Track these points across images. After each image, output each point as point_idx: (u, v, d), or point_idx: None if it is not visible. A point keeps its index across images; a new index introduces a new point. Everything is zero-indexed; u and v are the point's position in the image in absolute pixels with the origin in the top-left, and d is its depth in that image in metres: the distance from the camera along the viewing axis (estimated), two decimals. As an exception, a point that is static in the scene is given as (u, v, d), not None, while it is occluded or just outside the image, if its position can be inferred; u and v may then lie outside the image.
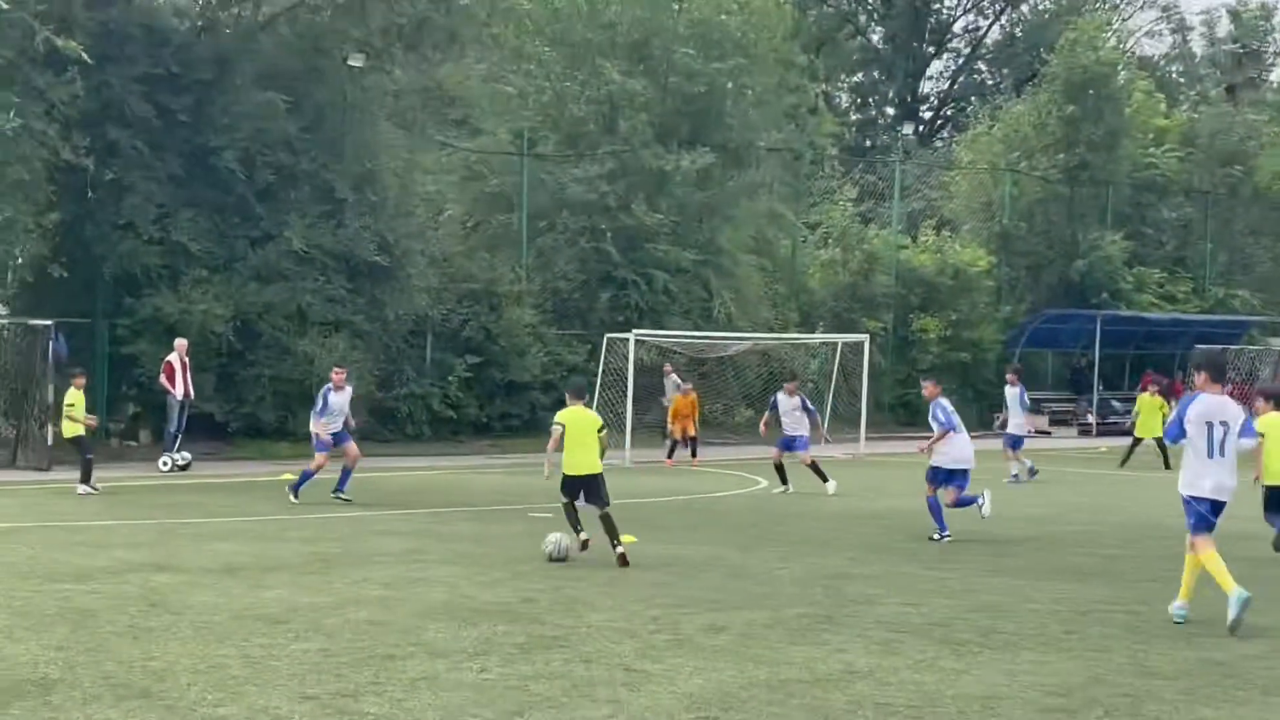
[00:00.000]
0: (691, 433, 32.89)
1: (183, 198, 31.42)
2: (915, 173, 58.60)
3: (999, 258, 50.16)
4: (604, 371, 34.62)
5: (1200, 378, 12.93)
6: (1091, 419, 46.81)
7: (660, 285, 39.32)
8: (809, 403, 25.58)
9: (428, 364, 36.41)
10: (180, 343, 28.58)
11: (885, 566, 16.21)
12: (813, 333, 44.08)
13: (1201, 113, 58.92)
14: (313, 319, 32.23)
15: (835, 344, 39.32)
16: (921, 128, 78.86)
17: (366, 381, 32.57)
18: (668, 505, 23.19)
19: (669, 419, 33.91)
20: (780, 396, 25.53)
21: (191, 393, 28.59)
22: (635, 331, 34.69)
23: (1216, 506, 12.75)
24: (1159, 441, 30.71)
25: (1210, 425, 12.64)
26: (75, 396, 23.90)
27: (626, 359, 33.55)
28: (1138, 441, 32.88)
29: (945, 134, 77.53)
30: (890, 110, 79.03)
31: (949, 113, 79.30)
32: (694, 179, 40.87)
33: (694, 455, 32.46)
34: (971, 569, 16.11)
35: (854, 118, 76.97)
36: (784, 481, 25.31)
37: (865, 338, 38.55)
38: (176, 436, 28.22)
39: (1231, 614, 12.31)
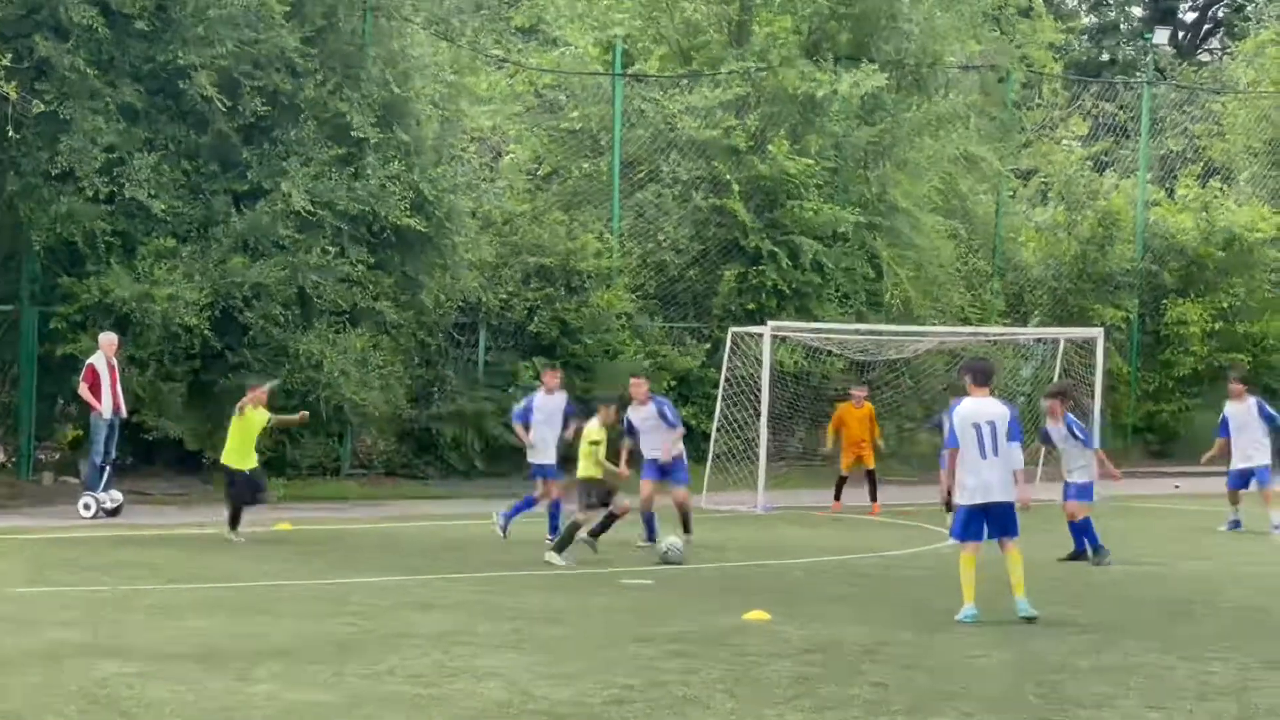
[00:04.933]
0: (869, 463, 32.52)
1: (140, 138, 31.77)
2: (1172, 100, 57.96)
3: (1293, 219, 49.63)
4: (727, 380, 34.55)
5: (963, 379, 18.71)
6: None
7: (808, 259, 39.23)
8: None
9: (481, 369, 36.57)
10: (108, 339, 28.90)
11: (1125, 654, 16.08)
12: (1025, 325, 43.77)
13: None
14: (320, 306, 32.46)
15: (1057, 341, 39.02)
16: (1182, 36, 78.04)
17: (394, 393, 32.83)
18: (819, 568, 23.14)
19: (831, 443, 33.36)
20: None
21: (123, 407, 28.94)
22: (772, 323, 34.57)
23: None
24: None
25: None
26: None
27: (760, 362, 33.45)
28: None
29: (1215, 44, 76.75)
30: (1137, 11, 78.34)
31: (1220, 13, 78.48)
32: (857, 109, 40.71)
33: (873, 498, 32.15)
34: (1246, 660, 15.93)
35: (1085, 21, 76.35)
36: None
37: (1100, 332, 38.15)
38: (103, 470, 28.54)
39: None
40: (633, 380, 26.58)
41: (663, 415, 25.48)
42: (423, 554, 24.03)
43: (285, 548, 24.36)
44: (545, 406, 26.03)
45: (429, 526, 26.90)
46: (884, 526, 28.84)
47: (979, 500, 18.03)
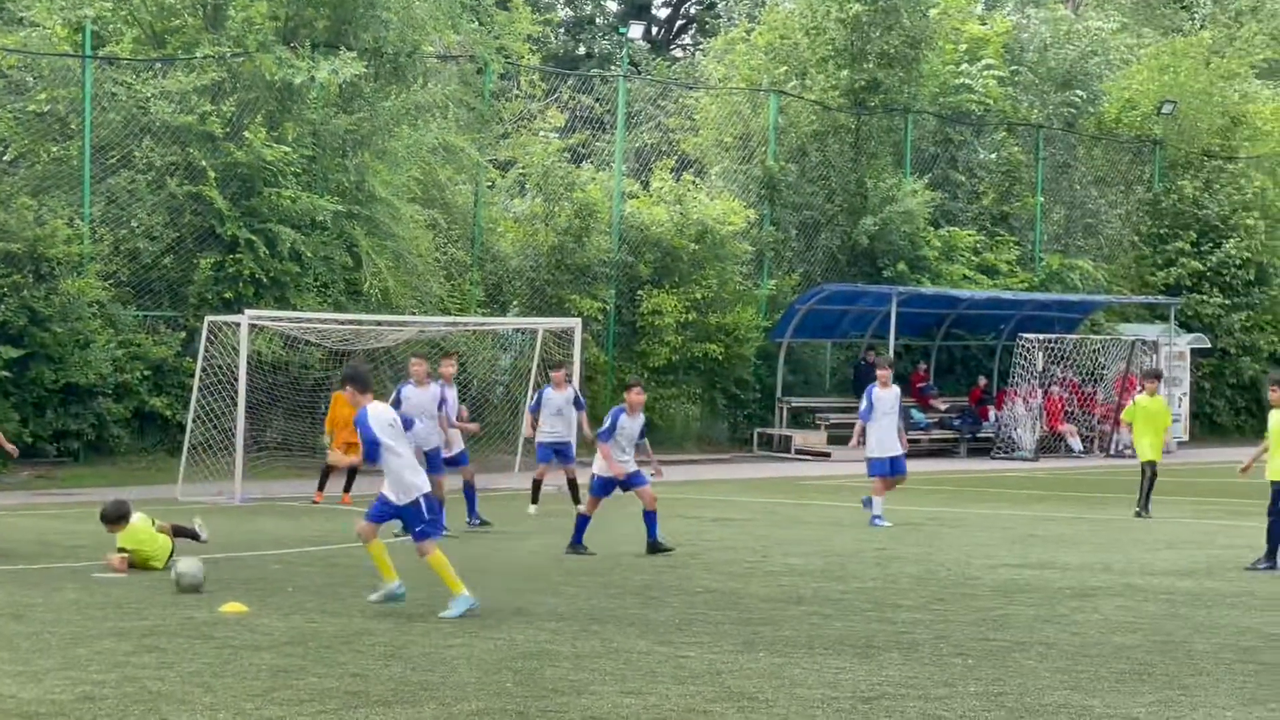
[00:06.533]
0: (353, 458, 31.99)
1: None
2: (646, 93, 59.12)
3: (761, 212, 50.96)
4: (205, 370, 34.17)
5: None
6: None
7: (286, 247, 38.92)
8: (581, 397, 30.12)
9: (-56, 359, 35.52)
10: None
11: (601, 641, 16.33)
12: (504, 315, 44.14)
13: (1030, 18, 60.70)
14: None
15: (536, 331, 39.47)
16: (656, 31, 79.74)
17: None
18: (299, 559, 23.01)
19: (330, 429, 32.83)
20: (548, 391, 29.89)
21: None
22: (250, 312, 34.26)
23: None
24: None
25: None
26: None
27: (237, 351, 33.13)
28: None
29: (687, 40, 78.57)
30: (612, 5, 79.70)
31: (692, 10, 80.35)
32: (335, 97, 40.56)
33: (346, 488, 31.85)
34: (719, 642, 16.34)
35: (562, 14, 77.44)
36: (535, 500, 30.08)
37: (577, 322, 38.75)
38: None
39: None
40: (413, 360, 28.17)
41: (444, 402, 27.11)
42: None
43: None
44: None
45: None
46: (358, 516, 28.68)
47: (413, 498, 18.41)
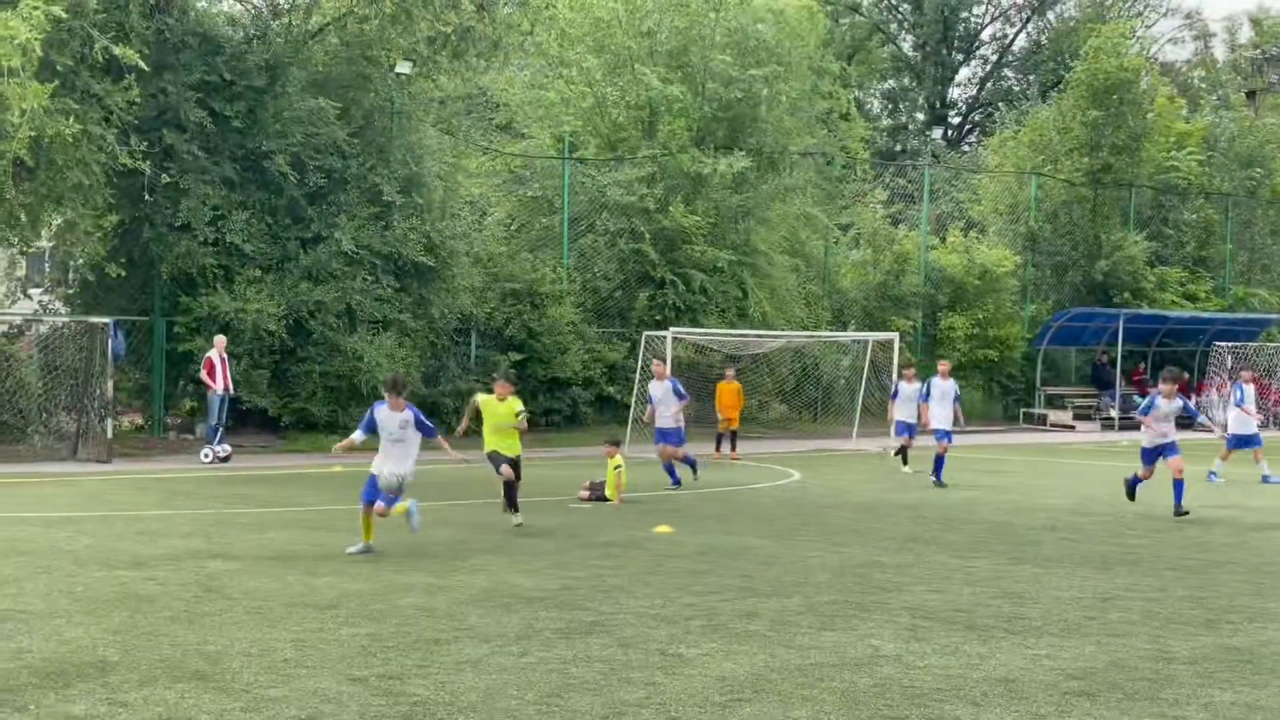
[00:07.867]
0: (734, 425, 32.32)
1: (236, 200, 31.56)
2: (944, 176, 58.29)
3: (1025, 258, 49.92)
4: (643, 367, 34.60)
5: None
6: (1114, 413, 46.51)
7: (697, 285, 39.28)
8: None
9: (472, 360, 36.49)
10: (220, 339, 28.83)
11: (914, 556, 16.19)
12: (845, 330, 43.90)
13: (1222, 117, 58.42)
14: (361, 317, 32.30)
15: (866, 341, 39.21)
16: (950, 133, 78.49)
17: (413, 377, 32.73)
18: (704, 496, 23.17)
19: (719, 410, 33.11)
20: (902, 384, 28.41)
21: (231, 386, 28.82)
22: (673, 329, 34.65)
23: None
24: None
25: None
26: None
27: (664, 356, 33.51)
28: None
29: (973, 139, 77.17)
30: (920, 116, 78.71)
31: (976, 118, 78.91)
32: (730, 182, 40.80)
33: (732, 448, 32.10)
34: (997, 558, 16.08)
35: (885, 123, 76.70)
36: (905, 461, 28.08)
37: (895, 335, 38.40)
38: (217, 430, 28.37)
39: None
40: (655, 362, 27.13)
41: (677, 392, 25.51)
42: (432, 488, 23.70)
43: (339, 483, 24.31)
44: (655, 392, 25.82)
45: (437, 469, 26.72)
46: (743, 469, 28.81)
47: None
